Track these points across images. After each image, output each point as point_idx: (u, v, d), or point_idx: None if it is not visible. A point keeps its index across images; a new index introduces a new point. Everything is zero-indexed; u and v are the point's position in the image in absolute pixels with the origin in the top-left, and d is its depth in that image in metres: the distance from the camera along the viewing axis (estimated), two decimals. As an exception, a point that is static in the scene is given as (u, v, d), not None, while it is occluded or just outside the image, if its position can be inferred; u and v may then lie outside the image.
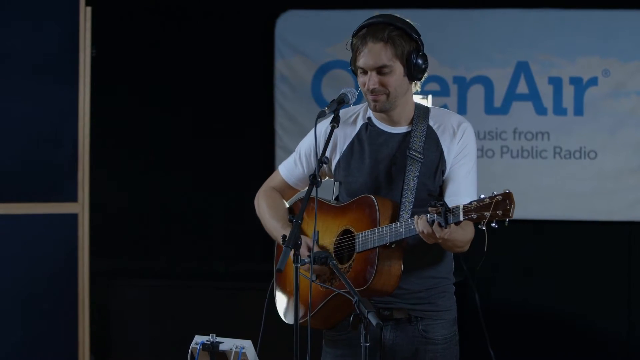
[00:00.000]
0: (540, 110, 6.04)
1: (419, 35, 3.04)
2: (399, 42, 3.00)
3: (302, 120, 6.09)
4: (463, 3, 6.06)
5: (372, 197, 3.02)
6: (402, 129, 3.11)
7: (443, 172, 3.07)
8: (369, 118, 3.15)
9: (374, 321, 2.72)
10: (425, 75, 3.09)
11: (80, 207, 5.25)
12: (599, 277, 5.97)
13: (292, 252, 2.81)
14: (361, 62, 3.02)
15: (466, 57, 6.08)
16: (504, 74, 6.05)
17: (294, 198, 3.32)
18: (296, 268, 2.81)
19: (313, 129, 3.07)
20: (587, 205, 5.98)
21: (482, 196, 2.73)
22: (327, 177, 3.24)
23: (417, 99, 3.23)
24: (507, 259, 5.92)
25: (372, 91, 3.03)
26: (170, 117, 6.29)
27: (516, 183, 5.87)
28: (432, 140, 3.08)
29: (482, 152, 6.02)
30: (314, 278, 2.98)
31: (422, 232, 2.83)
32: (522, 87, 6.04)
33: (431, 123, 3.10)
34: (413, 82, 3.08)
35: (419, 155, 3.04)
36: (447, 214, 2.77)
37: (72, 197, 5.24)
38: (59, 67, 5.22)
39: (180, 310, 5.80)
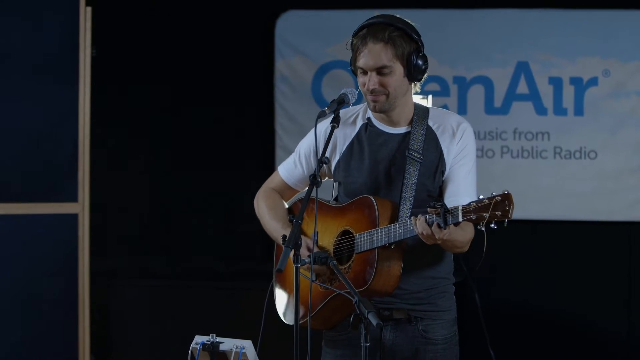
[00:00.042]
0: (541, 110, 6.03)
1: (419, 36, 3.04)
2: (399, 42, 3.00)
3: (302, 120, 6.08)
4: (463, 3, 6.06)
5: (372, 197, 3.01)
6: (402, 130, 3.11)
7: (442, 172, 3.07)
8: (369, 118, 3.15)
9: (374, 321, 2.72)
10: (425, 76, 3.09)
11: (80, 207, 5.25)
12: (599, 277, 5.97)
13: (292, 252, 2.81)
14: (361, 62, 3.02)
15: (466, 57, 6.07)
16: (504, 74, 6.05)
17: (294, 198, 3.32)
18: (296, 268, 2.81)
19: (313, 129, 3.07)
20: (587, 205, 5.98)
21: (481, 197, 2.72)
22: (327, 178, 3.24)
23: (417, 99, 3.23)
24: (507, 259, 5.92)
25: (372, 91, 3.03)
26: (170, 117, 6.28)
27: (516, 183, 5.89)
28: (432, 141, 3.08)
29: (482, 152, 6.01)
30: (314, 278, 2.98)
31: (422, 233, 2.82)
32: (522, 87, 6.04)
33: (430, 123, 3.10)
34: (413, 83, 3.08)
35: (419, 156, 3.04)
36: (446, 215, 2.77)
37: (72, 197, 5.24)
38: (59, 67, 5.22)
39: (180, 310, 5.79)
